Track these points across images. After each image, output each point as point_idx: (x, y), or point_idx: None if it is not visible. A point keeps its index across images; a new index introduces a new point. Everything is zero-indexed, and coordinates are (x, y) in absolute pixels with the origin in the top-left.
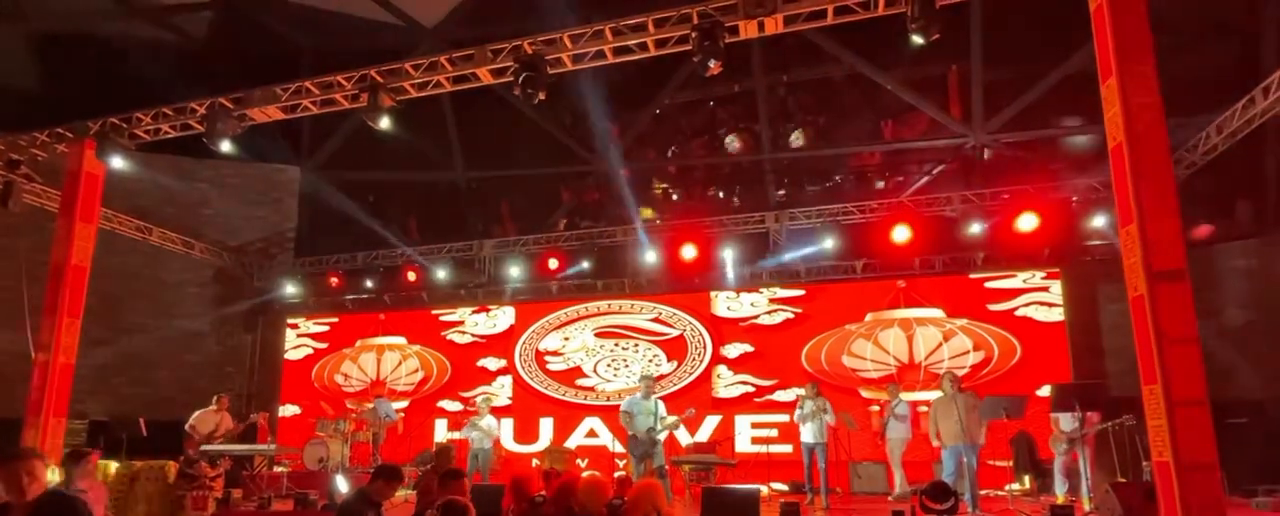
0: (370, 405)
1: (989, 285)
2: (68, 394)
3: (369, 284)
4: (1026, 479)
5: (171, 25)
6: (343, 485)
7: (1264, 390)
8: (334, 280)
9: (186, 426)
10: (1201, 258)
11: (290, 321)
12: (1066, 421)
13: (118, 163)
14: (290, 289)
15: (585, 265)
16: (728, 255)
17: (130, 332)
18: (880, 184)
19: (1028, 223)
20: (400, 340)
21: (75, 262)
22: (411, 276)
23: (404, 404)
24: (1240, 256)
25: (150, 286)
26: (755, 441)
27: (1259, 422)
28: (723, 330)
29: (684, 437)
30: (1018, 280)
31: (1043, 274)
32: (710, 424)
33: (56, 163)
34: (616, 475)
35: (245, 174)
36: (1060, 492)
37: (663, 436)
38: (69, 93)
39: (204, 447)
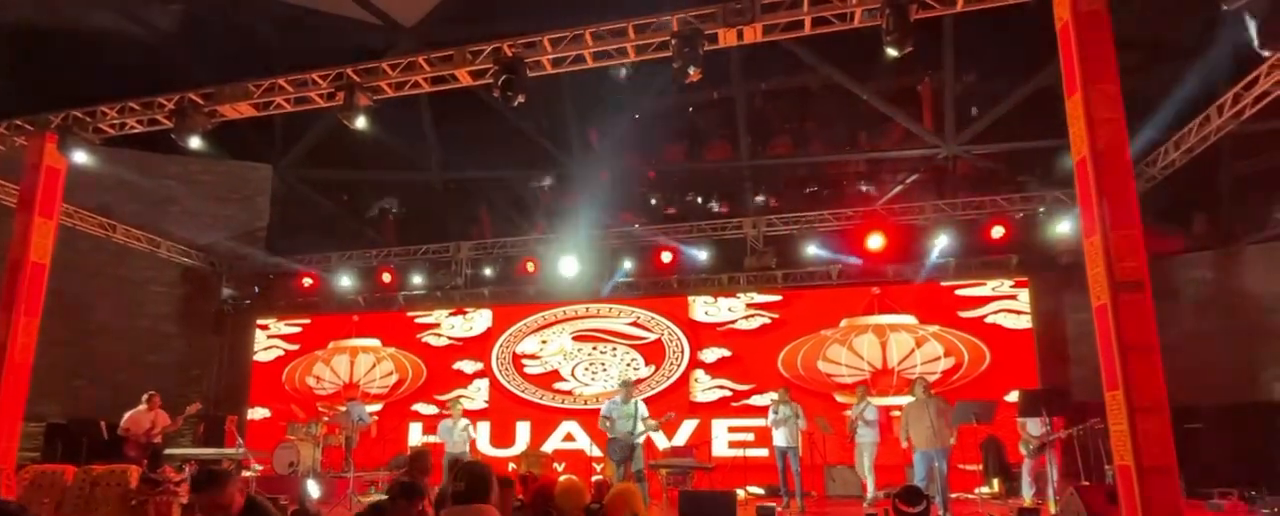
0: (343, 408)
1: (960, 293)
2: (24, 395)
3: (343, 284)
4: (996, 482)
5: (139, 18)
6: (314, 490)
7: (1219, 397)
8: (307, 281)
9: (119, 429)
10: (1161, 268)
11: (260, 322)
12: (1034, 426)
13: (80, 157)
14: (260, 288)
15: (564, 268)
16: (705, 260)
17: (91, 333)
18: (865, 187)
19: (997, 232)
20: (374, 342)
21: (34, 259)
22: (386, 278)
23: (378, 407)
24: (1197, 267)
25: (113, 285)
26: (732, 445)
27: (1215, 428)
28: (700, 335)
29: (661, 441)
30: (987, 288)
31: (1011, 282)
32: (687, 428)
33: (15, 156)
34: (594, 479)
35: (215, 171)
36: (1028, 495)
37: (641, 439)
38: (30, 85)
39: (168, 451)
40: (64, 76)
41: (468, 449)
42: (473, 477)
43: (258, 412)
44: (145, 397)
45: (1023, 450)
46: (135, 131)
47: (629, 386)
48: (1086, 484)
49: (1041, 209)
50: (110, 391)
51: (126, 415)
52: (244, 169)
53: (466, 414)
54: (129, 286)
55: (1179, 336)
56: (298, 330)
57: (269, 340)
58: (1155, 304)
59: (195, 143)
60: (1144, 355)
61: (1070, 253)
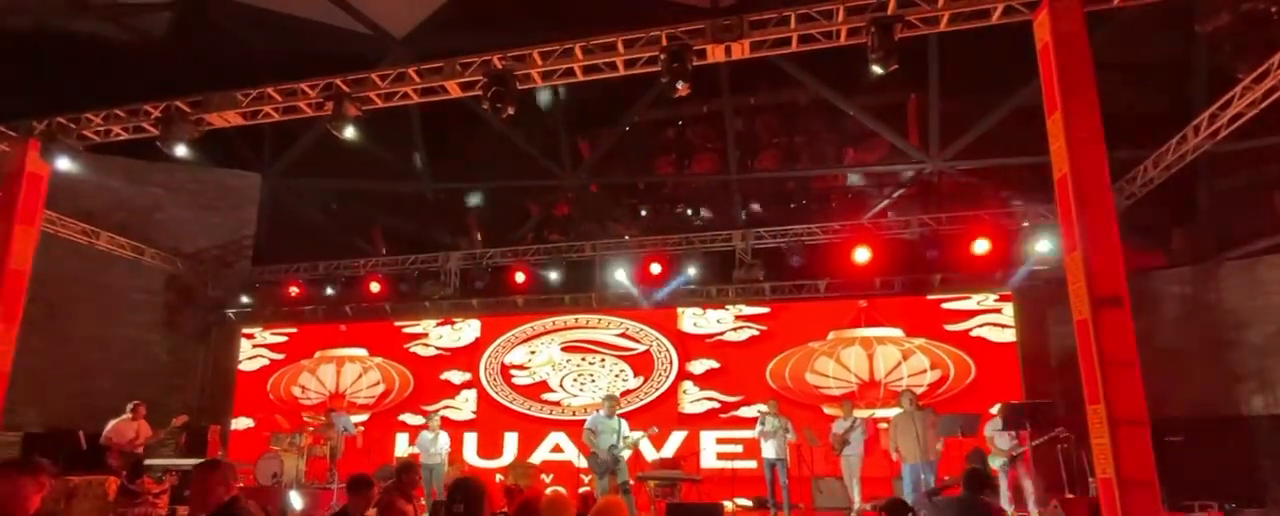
0: (325, 417)
1: (945, 306)
2: (1, 404)
3: (330, 294)
4: None
5: (127, 24)
6: (297, 501)
7: (1198, 410)
8: (293, 289)
9: (102, 438)
10: (1141, 283)
11: (245, 331)
12: (1002, 440)
13: (64, 164)
14: (246, 297)
15: (553, 278)
16: (694, 272)
17: (71, 341)
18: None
19: (981, 247)
20: (361, 352)
21: (14, 267)
22: (374, 287)
23: (364, 417)
24: (1176, 283)
25: (95, 293)
26: (720, 457)
27: (1194, 441)
28: (689, 346)
29: (650, 453)
30: (972, 302)
31: (995, 296)
32: (675, 439)
33: None
34: (581, 490)
35: (202, 179)
36: (1009, 509)
37: (626, 454)
38: (14, 90)
39: (149, 462)
40: (49, 82)
41: (444, 460)
42: (470, 500)
43: (241, 422)
44: (130, 407)
45: (993, 463)
46: (121, 139)
47: (613, 401)
48: (1071, 496)
49: (1025, 224)
50: (90, 400)
51: (110, 424)
52: (231, 177)
53: (454, 425)
54: (111, 294)
55: (1159, 350)
56: (284, 339)
57: (254, 349)
58: (1135, 318)
59: (181, 151)
60: (1124, 369)
61: (1053, 268)
